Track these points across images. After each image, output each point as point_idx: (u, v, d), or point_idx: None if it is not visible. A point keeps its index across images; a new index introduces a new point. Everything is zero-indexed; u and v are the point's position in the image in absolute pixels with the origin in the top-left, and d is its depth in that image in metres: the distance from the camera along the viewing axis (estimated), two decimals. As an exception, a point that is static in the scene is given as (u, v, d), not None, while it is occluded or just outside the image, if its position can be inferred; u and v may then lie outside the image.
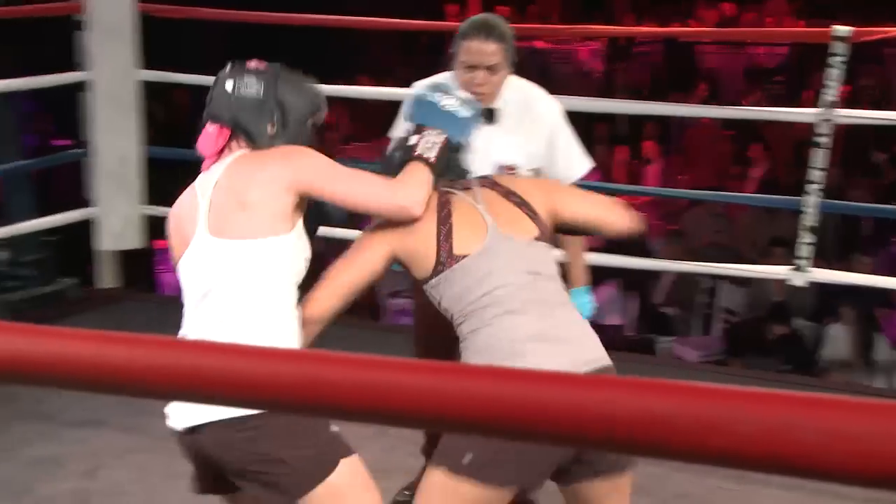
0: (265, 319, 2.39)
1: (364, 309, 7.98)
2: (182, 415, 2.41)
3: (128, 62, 5.41)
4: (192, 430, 2.39)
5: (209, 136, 2.49)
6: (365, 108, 10.26)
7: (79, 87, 5.50)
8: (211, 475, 2.49)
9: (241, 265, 2.38)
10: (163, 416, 4.17)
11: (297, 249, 2.44)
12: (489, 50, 2.98)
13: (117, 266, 5.82)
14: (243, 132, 2.49)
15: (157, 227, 7.03)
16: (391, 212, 2.51)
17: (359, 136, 10.54)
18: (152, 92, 5.84)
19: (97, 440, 4.12)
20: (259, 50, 8.95)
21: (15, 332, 1.02)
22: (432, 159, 2.55)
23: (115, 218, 5.53)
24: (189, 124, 9.31)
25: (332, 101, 2.91)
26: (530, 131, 3.12)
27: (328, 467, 2.36)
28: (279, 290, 2.41)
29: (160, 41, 5.67)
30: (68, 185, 7.65)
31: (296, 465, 2.33)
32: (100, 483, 3.82)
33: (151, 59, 5.54)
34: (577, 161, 3.28)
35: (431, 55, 12.26)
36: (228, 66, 2.54)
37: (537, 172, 3.13)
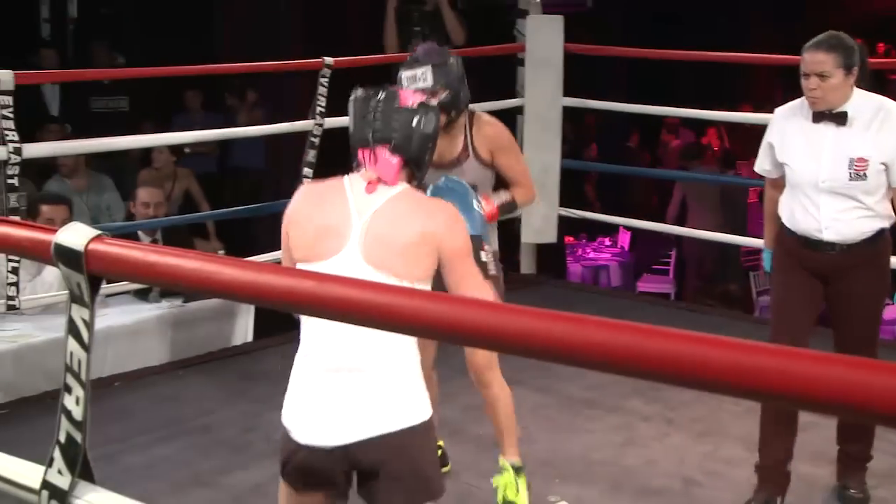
0: (401, 350, 2.19)
1: (739, 304, 7.73)
2: (338, 432, 2.14)
3: (555, 91, 5.56)
4: (346, 447, 2.15)
5: (391, 165, 2.21)
6: (743, 130, 9.94)
7: (515, 110, 5.72)
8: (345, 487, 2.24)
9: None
10: (568, 380, 4.29)
11: None
12: (819, 59, 3.00)
13: (535, 256, 5.98)
14: (415, 168, 2.26)
15: (567, 226, 7.20)
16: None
17: (739, 155, 10.21)
18: (567, 114, 5.95)
19: (516, 395, 4.24)
20: (659, 79, 8.87)
21: (459, 303, 1.06)
22: (496, 274, 2.88)
23: (537, 217, 5.68)
24: (596, 142, 9.36)
25: (717, 123, 2.89)
26: (880, 129, 3.06)
27: (434, 494, 2.23)
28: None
29: (578, 73, 5.77)
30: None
31: (427, 480, 2.21)
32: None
33: (571, 87, 5.65)
34: None
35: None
36: (412, 100, 2.27)
37: (887, 166, 3.07)
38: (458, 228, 2.22)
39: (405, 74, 3.00)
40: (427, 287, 2.18)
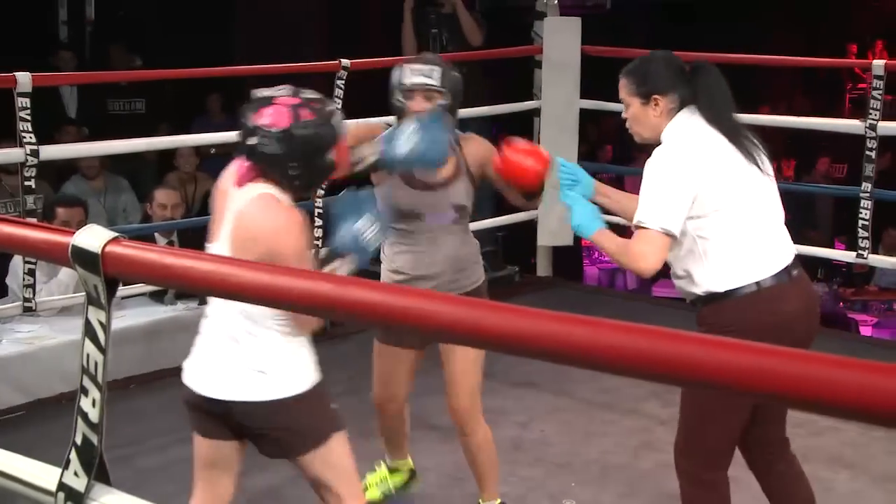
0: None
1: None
2: (208, 384, 2.39)
3: (571, 93, 5.56)
4: (218, 401, 2.37)
5: (243, 168, 2.36)
6: (761, 133, 9.90)
7: (532, 112, 5.72)
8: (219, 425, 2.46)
9: None
10: (584, 383, 4.29)
11: None
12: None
13: (551, 259, 5.98)
14: (273, 171, 2.33)
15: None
16: (305, 330, 2.40)
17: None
18: (586, 116, 5.95)
19: (531, 398, 4.25)
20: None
21: (479, 306, 1.06)
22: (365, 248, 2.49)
23: (554, 219, 5.67)
24: (613, 143, 9.35)
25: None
26: None
27: (322, 438, 2.43)
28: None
29: (595, 75, 5.77)
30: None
31: (299, 431, 2.40)
32: (531, 434, 3.94)
33: (588, 89, 5.65)
34: None
35: (828, 89, 11.65)
36: (262, 118, 2.33)
37: None
38: (293, 236, 2.29)
39: (412, 66, 2.91)
40: None
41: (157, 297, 4.77)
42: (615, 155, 9.69)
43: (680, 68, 2.62)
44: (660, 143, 2.58)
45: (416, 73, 2.90)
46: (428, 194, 2.97)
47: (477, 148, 3.05)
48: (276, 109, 2.30)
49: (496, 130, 7.51)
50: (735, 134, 2.56)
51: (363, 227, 2.44)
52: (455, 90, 2.93)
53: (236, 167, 2.40)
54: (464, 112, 5.46)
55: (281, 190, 2.34)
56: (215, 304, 2.40)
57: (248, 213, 2.31)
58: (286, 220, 2.30)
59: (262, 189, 2.33)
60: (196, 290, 1.15)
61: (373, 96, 5.41)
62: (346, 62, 4.75)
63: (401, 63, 2.97)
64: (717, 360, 0.91)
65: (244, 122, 2.32)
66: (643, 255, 2.47)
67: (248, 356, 2.35)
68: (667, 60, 2.64)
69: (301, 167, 2.31)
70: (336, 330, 5.03)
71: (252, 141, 2.30)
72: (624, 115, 2.66)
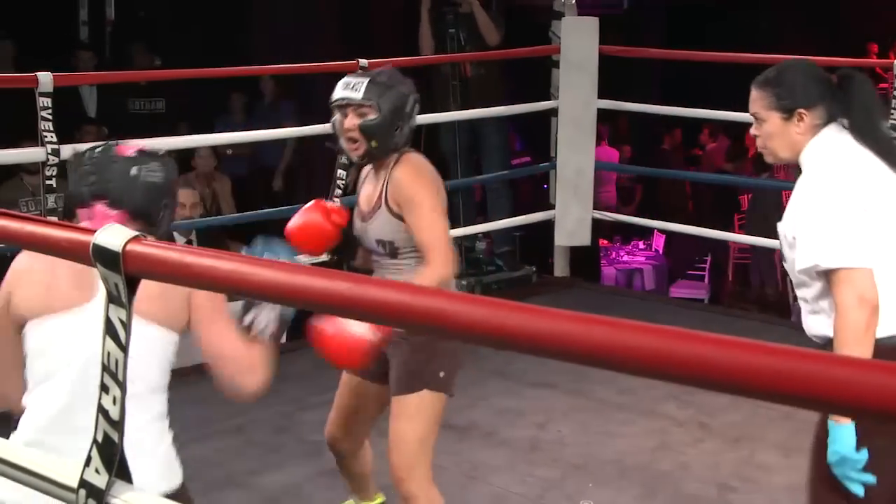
0: None
1: (775, 308, 7.68)
2: None
3: (589, 93, 5.55)
4: None
5: (108, 218, 1.98)
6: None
7: (550, 112, 5.73)
8: None
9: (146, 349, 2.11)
10: (601, 383, 4.28)
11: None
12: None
13: (568, 259, 5.97)
14: (146, 223, 2.04)
15: (601, 228, 7.19)
16: (247, 383, 2.17)
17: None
18: (600, 116, 5.95)
19: (549, 399, 4.25)
20: (692, 82, 8.80)
21: (499, 306, 1.07)
22: (264, 340, 2.12)
23: (571, 220, 5.67)
24: (630, 143, 9.33)
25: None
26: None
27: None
28: None
29: (613, 75, 5.76)
30: (528, 192, 7.96)
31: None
32: (548, 434, 3.94)
33: (605, 89, 5.64)
34: None
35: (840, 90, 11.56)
36: (130, 150, 2.09)
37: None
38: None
39: (343, 80, 2.71)
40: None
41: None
42: (633, 155, 9.69)
43: (826, 79, 2.34)
44: (797, 164, 2.32)
45: (341, 87, 2.69)
46: (360, 227, 2.76)
47: (397, 175, 2.67)
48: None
49: (513, 130, 7.51)
50: (890, 154, 2.28)
51: None
52: (386, 105, 2.64)
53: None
54: (481, 112, 5.51)
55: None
56: None
57: None
58: None
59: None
60: (217, 289, 1.16)
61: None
62: (363, 62, 4.76)
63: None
64: (735, 361, 0.91)
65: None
66: (860, 302, 2.12)
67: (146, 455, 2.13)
68: (810, 69, 2.35)
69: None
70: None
71: None
72: (754, 132, 2.37)
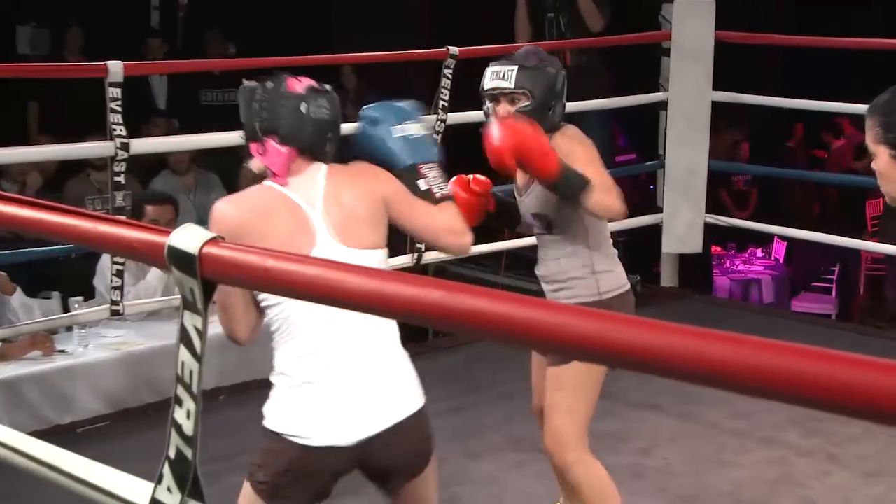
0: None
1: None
2: (359, 426, 2.32)
3: (703, 84, 5.49)
4: (365, 442, 2.33)
5: (279, 154, 2.34)
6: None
7: (658, 105, 5.68)
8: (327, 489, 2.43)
9: None
10: (713, 406, 4.23)
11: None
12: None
13: (677, 268, 5.91)
14: (315, 157, 2.39)
15: (714, 234, 7.10)
16: (455, 244, 2.51)
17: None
18: (719, 110, 5.87)
19: (653, 422, 4.22)
20: (821, 73, 8.62)
21: (605, 318, 1.07)
22: (449, 192, 2.53)
23: (681, 224, 5.61)
24: (751, 141, 9.13)
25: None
26: None
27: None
28: None
29: (732, 64, 5.69)
30: (633, 194, 7.89)
31: (430, 448, 2.45)
32: (653, 461, 3.91)
33: (721, 80, 5.58)
34: None
35: None
36: (301, 86, 2.37)
37: None
38: (385, 175, 2.43)
39: (491, 68, 2.95)
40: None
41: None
42: (752, 154, 9.53)
43: None
44: None
45: (491, 77, 2.94)
46: (520, 202, 3.09)
47: (558, 143, 2.90)
48: None
49: (616, 125, 7.46)
50: None
51: (405, 131, 2.52)
52: (539, 89, 2.89)
53: None
54: (582, 105, 5.48)
55: None
56: (329, 343, 2.33)
57: None
58: None
59: None
60: (298, 296, 1.18)
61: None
62: (453, 50, 4.79)
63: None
64: (871, 384, 0.90)
65: None
66: None
67: (406, 365, 2.40)
68: None
69: None
70: (438, 342, 5.07)
71: None
72: (873, 166, 2.17)
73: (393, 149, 2.51)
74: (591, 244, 3.00)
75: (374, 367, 2.34)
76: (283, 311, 2.34)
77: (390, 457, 2.37)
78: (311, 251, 2.28)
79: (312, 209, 2.33)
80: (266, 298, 2.34)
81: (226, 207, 2.35)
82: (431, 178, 2.49)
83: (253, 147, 2.37)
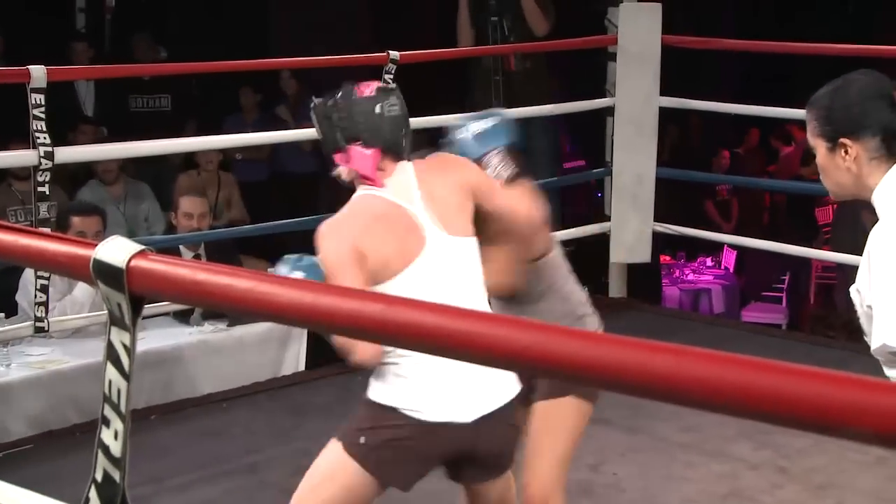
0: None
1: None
2: (475, 403, 2.50)
3: (651, 89, 5.54)
4: (478, 421, 2.50)
5: (366, 157, 2.54)
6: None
7: (605, 111, 5.73)
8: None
9: (475, 258, 2.58)
10: (663, 420, 4.26)
11: None
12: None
13: (626, 278, 5.95)
14: (395, 154, 2.58)
15: (663, 243, 7.16)
16: (534, 224, 2.76)
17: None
18: (667, 116, 5.93)
19: (603, 437, 4.23)
20: (774, 75, 8.74)
21: (547, 331, 1.07)
22: (514, 173, 2.76)
23: (629, 233, 5.66)
24: (700, 147, 9.27)
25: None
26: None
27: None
28: None
29: (679, 69, 5.75)
30: (580, 202, 7.95)
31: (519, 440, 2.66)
32: (602, 477, 3.92)
33: (669, 85, 5.64)
34: None
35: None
36: (370, 90, 2.57)
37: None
38: (466, 163, 2.67)
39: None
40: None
41: (183, 317, 4.83)
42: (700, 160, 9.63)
43: (890, 98, 2.14)
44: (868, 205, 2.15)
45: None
46: None
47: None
48: None
49: (564, 131, 7.50)
50: None
51: (469, 129, 2.78)
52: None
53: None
54: (526, 111, 5.52)
55: None
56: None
57: None
58: None
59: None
60: (232, 310, 1.17)
61: (424, 92, 5.44)
62: (395, 54, 4.79)
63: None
64: (820, 396, 0.91)
65: None
66: None
67: None
68: (867, 86, 2.15)
69: None
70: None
71: None
72: (817, 162, 2.21)
73: (461, 151, 2.75)
74: (562, 291, 2.91)
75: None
76: (396, 288, 2.47)
77: (493, 442, 2.53)
78: (425, 246, 2.50)
79: (412, 206, 2.53)
80: (379, 280, 2.47)
81: (341, 220, 2.54)
82: (494, 165, 2.73)
83: (338, 158, 2.56)
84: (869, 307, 2.06)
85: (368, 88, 2.55)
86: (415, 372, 2.47)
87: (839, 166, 2.13)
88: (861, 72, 2.20)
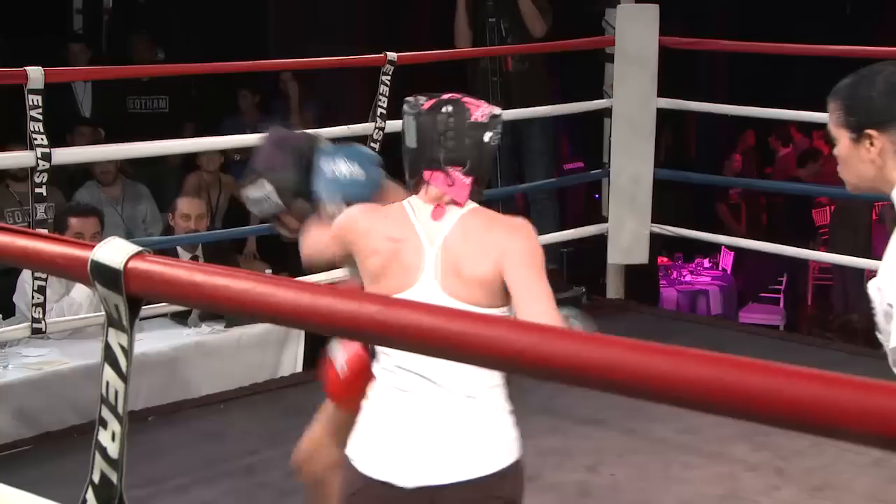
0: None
1: (861, 337, 7.60)
2: (421, 472, 2.24)
3: (648, 90, 5.55)
4: (423, 491, 2.23)
5: (465, 187, 2.32)
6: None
7: (602, 113, 5.73)
8: None
9: None
10: (661, 421, 4.26)
11: None
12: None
13: (623, 279, 5.96)
14: (481, 185, 2.38)
15: (660, 245, 7.17)
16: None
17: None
18: (664, 117, 5.94)
19: (600, 438, 4.24)
20: (769, 77, 8.75)
21: (544, 332, 1.07)
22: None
23: (626, 234, 5.66)
24: (696, 149, 9.30)
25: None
26: None
27: None
28: None
29: (676, 70, 5.76)
30: (578, 203, 7.95)
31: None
32: (599, 478, 3.92)
33: (667, 87, 5.64)
34: None
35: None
36: (482, 112, 2.35)
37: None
38: (524, 233, 2.32)
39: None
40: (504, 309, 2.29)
41: (180, 318, 4.83)
42: (698, 162, 9.64)
43: None
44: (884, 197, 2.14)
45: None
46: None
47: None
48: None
49: (563, 132, 7.49)
50: None
51: (331, 169, 2.54)
52: None
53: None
54: (524, 112, 5.52)
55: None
56: (416, 379, 2.25)
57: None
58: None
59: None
60: (229, 311, 1.17)
61: (421, 92, 5.39)
62: (392, 56, 4.79)
63: None
64: (817, 397, 0.91)
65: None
66: None
67: (492, 420, 2.29)
68: (894, 76, 2.11)
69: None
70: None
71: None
72: (835, 152, 2.17)
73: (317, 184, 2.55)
74: None
75: (461, 409, 2.26)
76: None
77: None
78: (410, 289, 2.26)
79: (430, 246, 2.29)
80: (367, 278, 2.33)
81: (360, 213, 2.39)
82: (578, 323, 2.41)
83: (428, 175, 2.33)
84: (890, 305, 2.04)
85: (481, 112, 2.34)
86: (372, 417, 2.31)
87: (863, 158, 2.09)
88: (888, 62, 2.18)
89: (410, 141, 2.35)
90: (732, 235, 7.44)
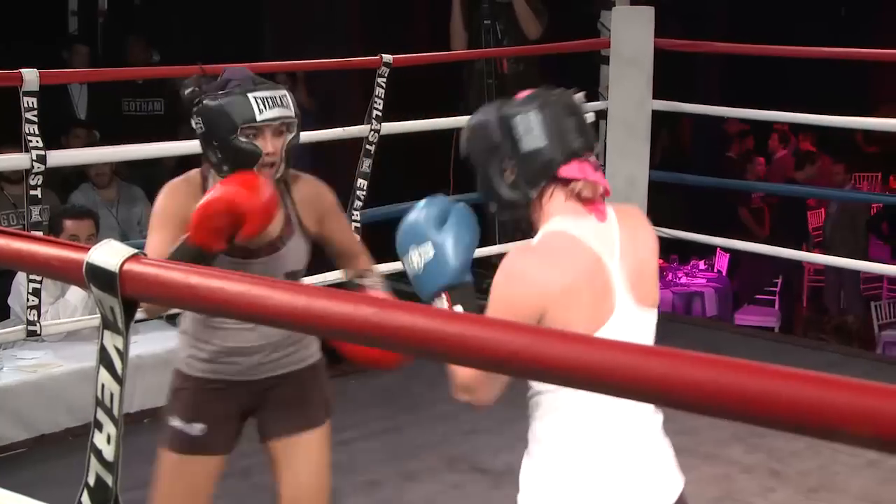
0: None
1: (857, 339, 7.62)
2: (660, 496, 2.16)
3: (643, 92, 5.56)
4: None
5: (602, 174, 2.11)
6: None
7: (598, 114, 5.73)
8: None
9: (653, 334, 2.09)
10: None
11: None
12: None
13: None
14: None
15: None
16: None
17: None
18: (660, 119, 5.95)
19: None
20: (763, 80, 8.78)
21: (541, 334, 1.07)
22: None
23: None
24: (691, 151, 9.32)
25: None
26: None
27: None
28: None
29: (671, 72, 5.76)
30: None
31: None
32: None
33: (662, 89, 5.65)
34: None
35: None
36: (570, 96, 2.11)
37: None
38: (649, 227, 2.22)
39: (257, 94, 2.53)
40: None
41: (175, 320, 4.82)
42: (694, 164, 9.64)
43: None
44: None
45: (265, 103, 2.53)
46: (252, 264, 2.59)
47: (310, 191, 2.66)
48: None
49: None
50: None
51: (410, 261, 2.06)
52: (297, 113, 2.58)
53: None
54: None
55: None
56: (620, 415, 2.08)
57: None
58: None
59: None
60: (224, 313, 1.18)
61: (416, 94, 5.44)
62: (388, 58, 4.79)
63: (233, 83, 2.62)
64: (812, 399, 0.91)
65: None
66: None
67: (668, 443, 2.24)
68: None
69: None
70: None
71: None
72: None
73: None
74: None
75: (653, 444, 2.17)
76: None
77: None
78: (612, 316, 1.99)
79: (609, 257, 2.01)
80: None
81: (544, 267, 1.97)
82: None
83: (584, 167, 2.06)
84: None
85: (574, 93, 2.14)
86: (583, 472, 2.04)
87: None
88: None
89: (536, 139, 2.02)
90: (754, 240, 7.41)
